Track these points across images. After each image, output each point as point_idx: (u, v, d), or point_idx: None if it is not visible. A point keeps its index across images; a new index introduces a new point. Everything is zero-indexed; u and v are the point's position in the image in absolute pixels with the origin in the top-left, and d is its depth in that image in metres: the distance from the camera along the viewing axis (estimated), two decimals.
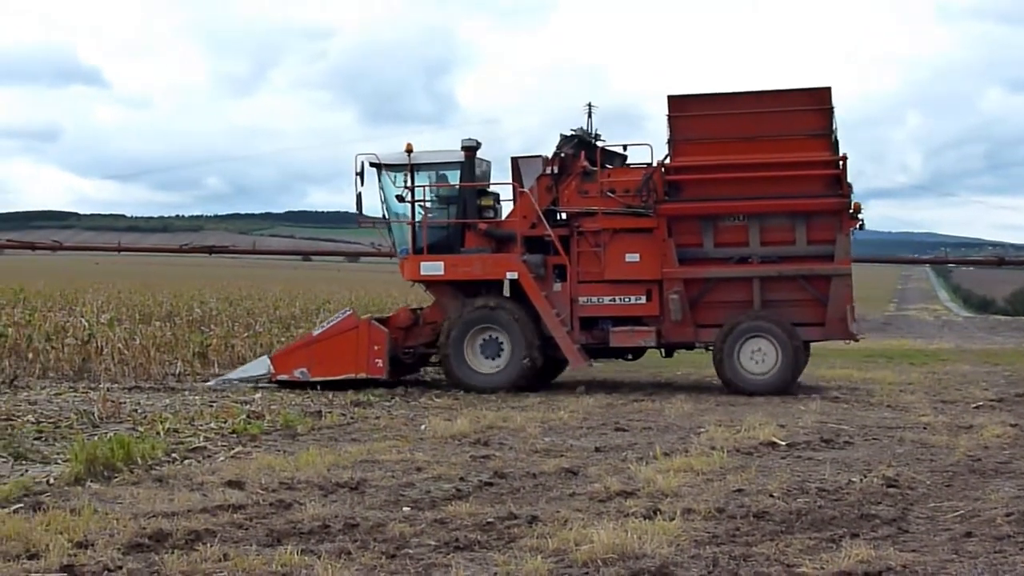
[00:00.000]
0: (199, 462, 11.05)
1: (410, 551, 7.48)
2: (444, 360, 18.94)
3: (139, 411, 15.08)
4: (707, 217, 18.22)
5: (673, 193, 18.36)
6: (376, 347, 18.93)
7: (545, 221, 18.75)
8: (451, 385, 18.78)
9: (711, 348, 18.38)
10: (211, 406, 15.65)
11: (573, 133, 19.25)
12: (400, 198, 19.37)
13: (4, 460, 11.01)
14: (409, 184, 19.36)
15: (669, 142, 18.24)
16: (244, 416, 14.37)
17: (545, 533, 7.89)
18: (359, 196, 18.88)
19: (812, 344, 19.10)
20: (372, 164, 19.30)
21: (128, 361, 21.03)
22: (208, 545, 7.44)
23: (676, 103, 18.08)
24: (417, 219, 19.43)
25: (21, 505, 8.68)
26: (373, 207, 19.91)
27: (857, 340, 18.66)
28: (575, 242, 18.78)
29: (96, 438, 11.53)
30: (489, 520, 8.34)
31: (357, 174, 18.84)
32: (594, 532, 7.70)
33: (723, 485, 9.75)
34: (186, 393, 17.56)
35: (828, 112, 17.83)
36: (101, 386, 16.83)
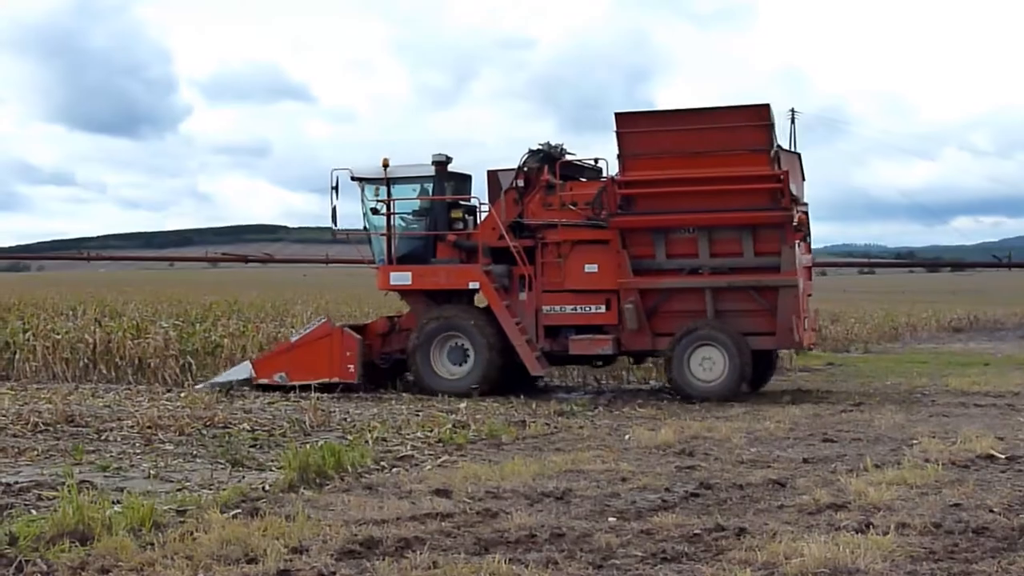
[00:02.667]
0: (407, 470, 11.22)
1: (617, 562, 7.46)
2: (412, 365, 19.81)
3: (348, 420, 15.45)
4: (658, 229, 18.84)
5: (626, 206, 18.91)
6: (348, 353, 19.82)
7: (508, 233, 19.53)
8: (419, 390, 19.41)
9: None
10: (417, 415, 15.94)
11: (540, 148, 19.76)
12: (375, 211, 20.44)
13: (222, 466, 11.44)
14: (383, 197, 20.28)
15: (619, 157, 18.80)
16: (450, 425, 14.55)
17: (754, 546, 7.76)
18: (334, 209, 19.87)
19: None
20: (352, 178, 20.30)
21: None
22: (418, 553, 7.56)
23: (623, 120, 18.65)
24: (382, 231, 20.33)
25: (239, 510, 8.95)
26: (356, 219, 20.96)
27: (806, 348, 19.83)
28: (539, 253, 19.56)
29: (308, 446, 11.80)
30: (696, 532, 8.25)
31: (332, 188, 19.75)
32: (804, 545, 7.55)
33: (939, 499, 9.44)
34: (393, 402, 17.91)
35: (768, 128, 18.11)
36: (311, 395, 17.34)
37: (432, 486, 10.12)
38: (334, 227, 20.35)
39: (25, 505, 9.30)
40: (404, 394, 18.69)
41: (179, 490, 9.99)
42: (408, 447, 12.79)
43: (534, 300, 19.55)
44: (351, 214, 20.95)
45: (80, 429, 14.30)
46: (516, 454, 12.23)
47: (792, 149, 19.46)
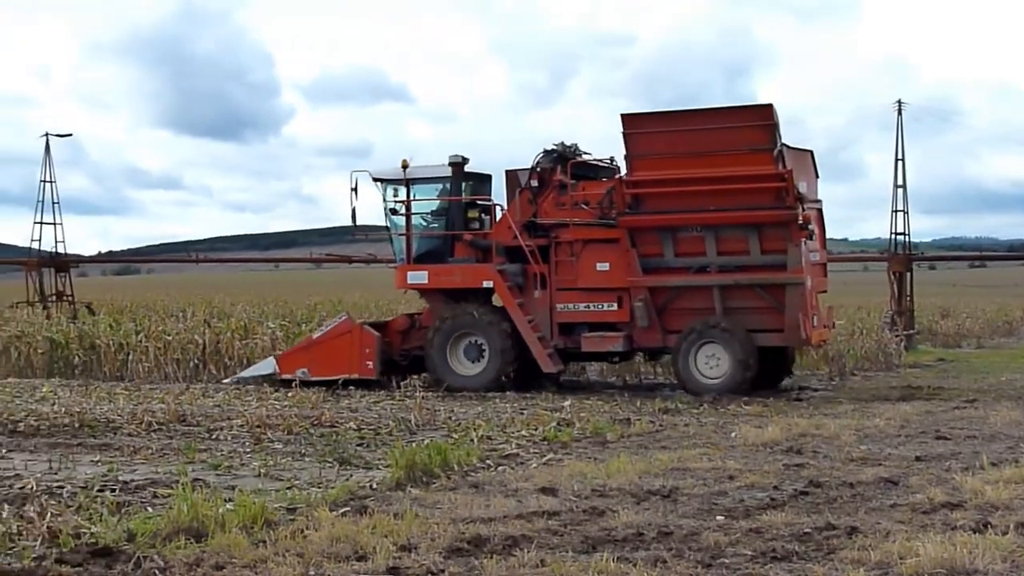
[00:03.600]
0: (512, 468, 11.25)
1: (726, 561, 7.39)
2: (428, 362, 20.29)
3: (453, 418, 15.51)
4: (666, 228, 19.13)
5: (635, 206, 19.22)
6: (367, 350, 20.32)
7: (521, 232, 19.90)
8: (437, 386, 19.69)
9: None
10: (522, 414, 15.93)
11: (554, 147, 20.11)
12: (394, 211, 20.90)
13: (330, 465, 11.54)
14: (401, 198, 20.69)
15: (626, 158, 19.17)
16: (554, 423, 14.52)
17: (866, 545, 7.63)
18: (353, 210, 20.29)
19: None
20: (373, 179, 20.69)
21: None
22: (525, 551, 7.57)
23: (630, 121, 18.97)
24: (402, 231, 20.83)
25: (348, 508, 9.03)
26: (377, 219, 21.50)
27: (814, 345, 19.81)
28: (553, 252, 19.98)
29: (414, 445, 11.85)
30: (806, 530, 8.14)
31: (352, 189, 20.12)
32: (919, 545, 7.41)
33: None
34: (497, 401, 17.95)
35: (771, 128, 18.21)
36: (416, 394, 17.45)
37: (538, 484, 10.12)
38: (353, 226, 20.74)
39: (141, 502, 9.52)
40: (508, 393, 18.75)
41: (289, 488, 10.11)
42: (513, 445, 12.79)
43: (548, 298, 19.95)
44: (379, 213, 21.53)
45: (192, 428, 14.63)
46: (621, 452, 12.15)
47: (802, 148, 19.64)
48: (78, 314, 33.77)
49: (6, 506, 8.98)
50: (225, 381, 21.29)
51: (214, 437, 13.81)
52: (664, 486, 10.00)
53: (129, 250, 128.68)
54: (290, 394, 18.09)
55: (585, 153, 20.51)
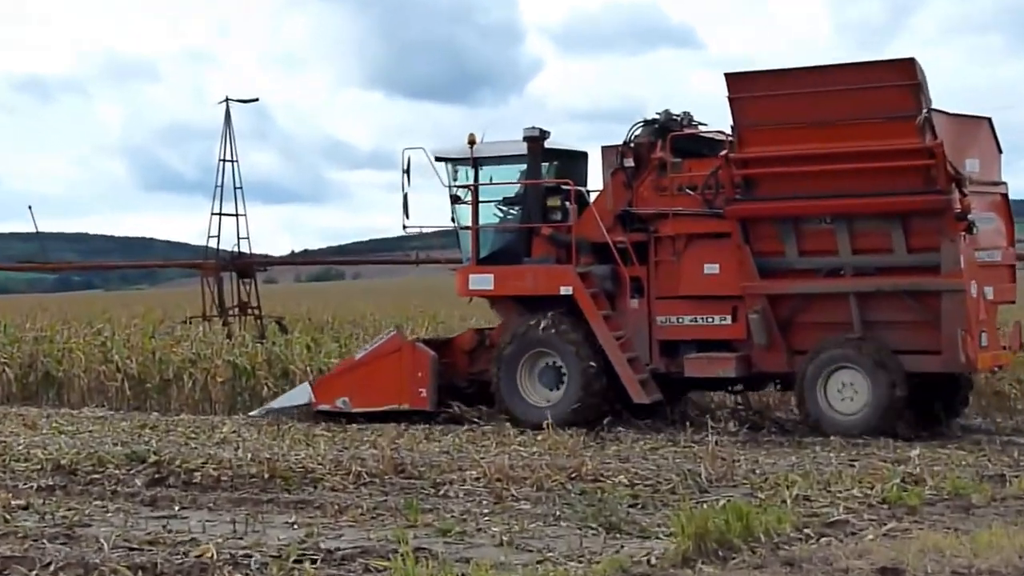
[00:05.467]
0: (840, 541, 11.08)
1: None
2: (495, 389, 20.83)
3: (757, 471, 15.43)
4: (786, 219, 19.27)
5: (747, 190, 19.45)
6: (420, 374, 20.98)
7: (611, 225, 20.31)
8: (504, 419, 20.33)
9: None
10: (851, 466, 15.68)
11: (656, 116, 20.54)
12: (456, 198, 21.69)
13: (594, 532, 11.63)
14: (467, 183, 21.50)
15: (734, 129, 19.38)
16: (897, 480, 14.22)
17: None
18: (405, 198, 21.31)
19: None
20: (436, 158, 21.54)
21: None
22: None
23: (736, 82, 19.15)
24: (465, 224, 21.64)
25: None
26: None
27: (983, 371, 19.54)
28: (653, 250, 20.36)
29: (706, 506, 11.89)
30: None
31: (404, 171, 21.08)
32: None
33: None
34: (816, 448, 17.73)
35: (915, 89, 18.20)
36: (708, 438, 17.46)
37: (876, 563, 9.92)
38: (405, 220, 21.65)
39: None
40: (833, 438, 18.49)
41: (539, 562, 10.24)
42: (841, 509, 12.59)
43: (646, 309, 20.36)
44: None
45: (413, 481, 14.91)
46: (993, 521, 11.89)
47: (974, 115, 19.26)
48: (266, 332, 34.97)
49: None
50: (252, 413, 22.59)
51: (442, 493, 14.09)
52: None
53: (329, 248, 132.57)
54: (539, 437, 18.37)
55: (699, 123, 20.91)
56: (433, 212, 23.12)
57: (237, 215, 38.62)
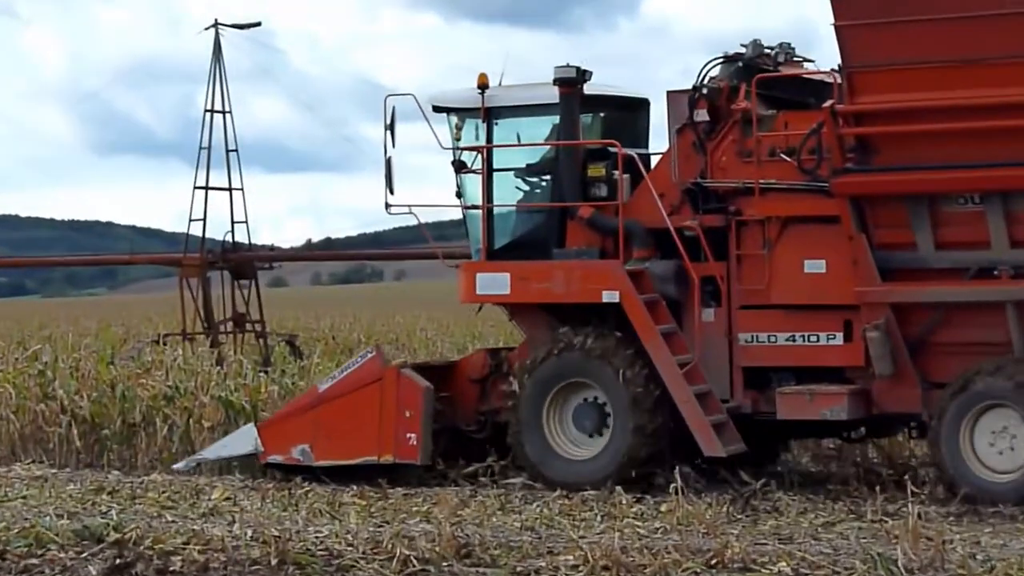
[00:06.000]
0: None
1: None
2: (512, 431, 19.71)
3: (978, 556, 14.58)
4: (916, 198, 18.25)
5: (862, 157, 18.34)
6: (408, 412, 19.85)
7: (677, 204, 19.79)
8: (523, 474, 19.37)
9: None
10: None
11: (740, 51, 19.20)
12: (461, 164, 20.69)
13: None
14: (476, 143, 20.67)
15: (841, 71, 18.16)
16: None
17: None
18: (388, 163, 20.49)
19: None
20: (435, 108, 20.54)
21: None
22: None
23: (844, 7, 17.80)
24: (473, 202, 20.98)
25: None
26: None
27: None
28: (733, 239, 19.28)
29: None
30: None
31: (386, 127, 20.20)
32: None
33: None
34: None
35: None
36: (907, 509, 17.23)
37: None
38: (388, 195, 20.78)
39: None
40: None
41: None
42: None
43: (723, 322, 19.45)
44: None
45: (483, 571, 14.08)
46: None
47: None
48: (273, 356, 35.12)
49: None
50: (176, 466, 21.46)
51: None
52: None
53: (362, 237, 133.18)
54: (663, 508, 17.44)
55: (798, 59, 19.75)
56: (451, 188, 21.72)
57: (231, 189, 38.07)
